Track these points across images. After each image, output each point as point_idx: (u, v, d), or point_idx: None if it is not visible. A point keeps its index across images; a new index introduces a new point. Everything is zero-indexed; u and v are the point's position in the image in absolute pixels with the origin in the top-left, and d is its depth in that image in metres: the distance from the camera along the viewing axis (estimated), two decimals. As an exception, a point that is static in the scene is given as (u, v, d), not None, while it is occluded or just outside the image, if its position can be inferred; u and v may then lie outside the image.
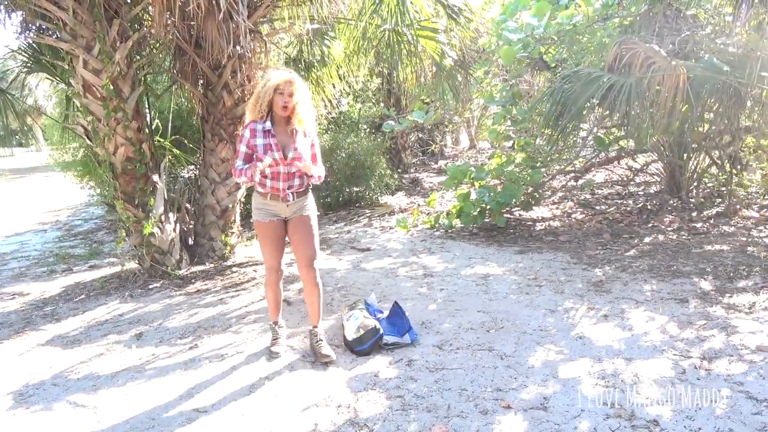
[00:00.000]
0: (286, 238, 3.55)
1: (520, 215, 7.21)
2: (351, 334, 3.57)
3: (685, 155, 6.76)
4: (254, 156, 3.30)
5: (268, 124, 3.29)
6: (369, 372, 3.32)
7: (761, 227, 5.76)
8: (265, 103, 3.26)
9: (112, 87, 4.79)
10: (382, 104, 10.45)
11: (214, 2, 4.17)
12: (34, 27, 5.32)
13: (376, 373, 3.30)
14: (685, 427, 2.58)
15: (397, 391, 3.08)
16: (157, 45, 5.62)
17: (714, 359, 3.16)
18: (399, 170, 11.01)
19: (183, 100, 7.20)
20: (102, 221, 9.32)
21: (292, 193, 3.38)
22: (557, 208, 7.56)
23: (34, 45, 5.65)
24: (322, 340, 3.52)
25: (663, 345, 3.38)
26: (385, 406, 2.93)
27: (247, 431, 2.79)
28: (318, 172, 3.39)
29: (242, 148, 3.34)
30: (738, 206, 6.31)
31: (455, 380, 3.14)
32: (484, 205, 6.50)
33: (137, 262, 5.47)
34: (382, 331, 3.57)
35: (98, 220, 9.48)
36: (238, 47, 4.71)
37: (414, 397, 3.00)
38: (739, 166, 6.80)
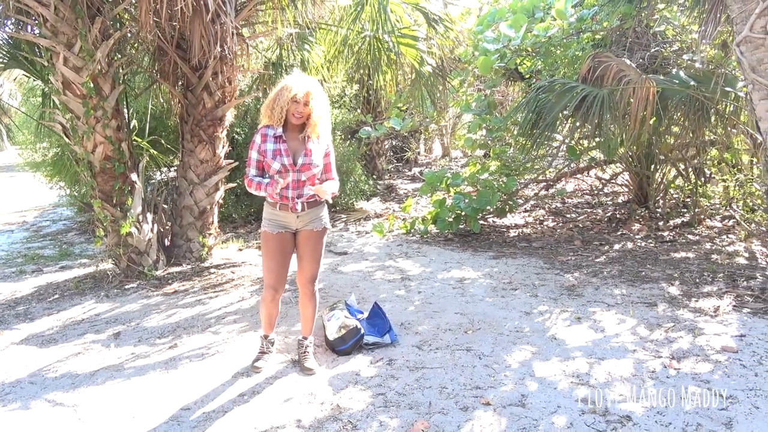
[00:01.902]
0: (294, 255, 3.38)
1: (493, 222, 7.35)
2: (333, 334, 3.62)
3: (653, 167, 7.01)
4: (263, 161, 3.21)
5: (280, 129, 3.19)
6: (350, 371, 3.37)
7: (724, 236, 6.01)
8: (282, 110, 3.12)
9: (92, 85, 4.75)
10: (358, 110, 10.53)
11: (202, 2, 4.19)
12: (10, 22, 5.25)
13: (357, 371, 3.35)
14: (656, 422, 2.70)
15: (379, 389, 3.13)
16: (138, 45, 5.59)
17: (682, 359, 3.31)
18: (374, 176, 11.08)
19: (159, 100, 7.15)
20: (71, 222, 9.13)
21: (302, 202, 3.23)
22: (530, 216, 7.73)
23: (10, 40, 5.57)
24: (307, 353, 3.45)
25: (634, 345, 3.52)
26: (367, 403, 2.98)
27: (230, 428, 2.82)
28: (333, 189, 3.26)
29: (254, 155, 3.23)
30: (702, 216, 6.57)
31: (435, 378, 3.22)
32: (459, 212, 6.61)
33: (113, 262, 5.40)
34: (363, 331, 3.62)
35: (67, 221, 9.28)
36: (221, 49, 4.72)
37: (396, 395, 3.06)
38: (703, 178, 7.07)
